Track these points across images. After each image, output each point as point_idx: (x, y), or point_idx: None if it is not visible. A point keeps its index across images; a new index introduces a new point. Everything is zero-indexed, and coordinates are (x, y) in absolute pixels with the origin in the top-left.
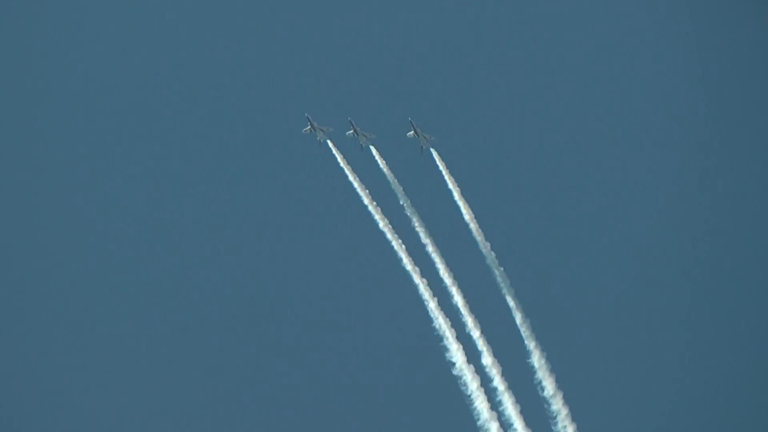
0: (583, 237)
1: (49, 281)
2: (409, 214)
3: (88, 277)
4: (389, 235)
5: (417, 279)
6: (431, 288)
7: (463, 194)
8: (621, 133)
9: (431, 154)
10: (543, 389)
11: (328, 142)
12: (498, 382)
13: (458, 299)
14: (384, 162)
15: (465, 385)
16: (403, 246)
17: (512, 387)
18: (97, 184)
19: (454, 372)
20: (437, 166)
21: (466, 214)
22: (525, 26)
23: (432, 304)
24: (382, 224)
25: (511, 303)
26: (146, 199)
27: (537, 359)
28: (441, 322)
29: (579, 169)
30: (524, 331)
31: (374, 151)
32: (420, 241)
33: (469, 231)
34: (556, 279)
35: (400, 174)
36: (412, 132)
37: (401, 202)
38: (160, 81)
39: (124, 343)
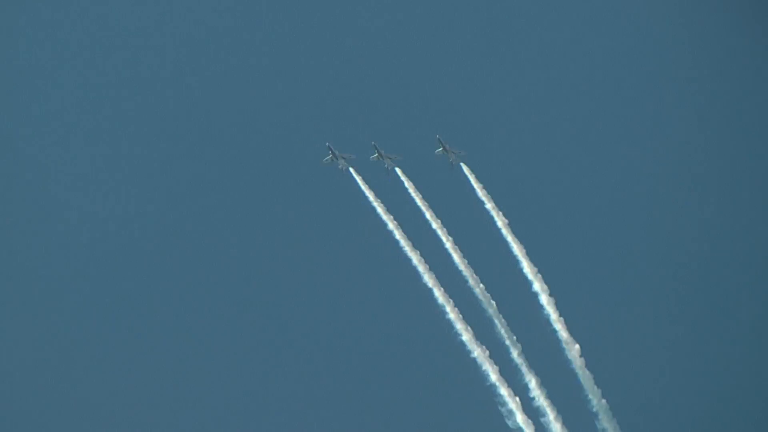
0: (619, 244)
1: (49, 281)
2: (440, 235)
3: (100, 276)
4: (416, 261)
5: (449, 309)
6: (463, 317)
7: (498, 205)
8: (651, 142)
9: (461, 170)
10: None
11: (351, 169)
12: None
13: (498, 325)
14: (411, 184)
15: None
16: (433, 273)
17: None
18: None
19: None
20: (468, 181)
21: (501, 224)
22: (545, 34)
23: (462, 328)
24: (409, 250)
25: (555, 318)
26: (170, 234)
27: (584, 379)
28: (478, 353)
29: (612, 175)
30: (570, 354)
31: (400, 173)
32: (455, 265)
33: (506, 243)
34: (596, 287)
35: (429, 194)
36: (441, 149)
37: (431, 224)
38: (179, 114)
39: (129, 343)
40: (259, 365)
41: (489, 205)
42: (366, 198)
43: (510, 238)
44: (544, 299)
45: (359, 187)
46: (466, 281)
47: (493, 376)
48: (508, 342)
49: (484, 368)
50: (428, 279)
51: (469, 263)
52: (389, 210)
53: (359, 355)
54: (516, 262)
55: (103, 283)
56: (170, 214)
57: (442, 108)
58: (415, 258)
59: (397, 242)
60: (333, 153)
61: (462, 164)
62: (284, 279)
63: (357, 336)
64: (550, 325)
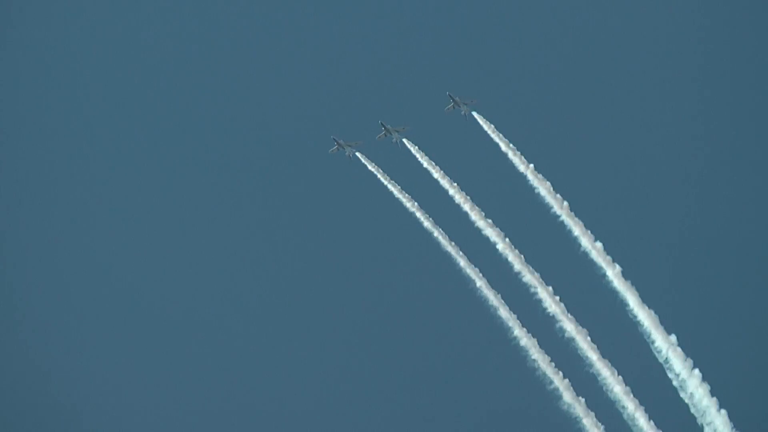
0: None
1: (48, 281)
2: (458, 201)
3: (103, 277)
4: (438, 235)
5: (475, 277)
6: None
7: (516, 147)
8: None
9: (474, 119)
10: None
11: (357, 155)
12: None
13: (541, 291)
14: (421, 152)
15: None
16: (458, 247)
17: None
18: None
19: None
20: (482, 128)
21: (523, 168)
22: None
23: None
24: (427, 224)
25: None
26: (176, 232)
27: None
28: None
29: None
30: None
31: (408, 144)
32: (479, 231)
33: (531, 189)
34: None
35: (442, 156)
36: (451, 104)
37: (448, 191)
38: (182, 122)
39: (133, 343)
40: (289, 353)
41: (505, 149)
42: (378, 180)
43: (536, 181)
44: (598, 257)
45: (369, 171)
46: (496, 247)
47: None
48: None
49: (527, 350)
50: (453, 251)
51: (494, 222)
52: (403, 188)
53: (397, 340)
54: (552, 214)
55: (104, 284)
56: (179, 215)
57: (445, 65)
58: (437, 233)
59: (417, 220)
60: (339, 143)
61: (474, 113)
62: (307, 274)
63: (392, 321)
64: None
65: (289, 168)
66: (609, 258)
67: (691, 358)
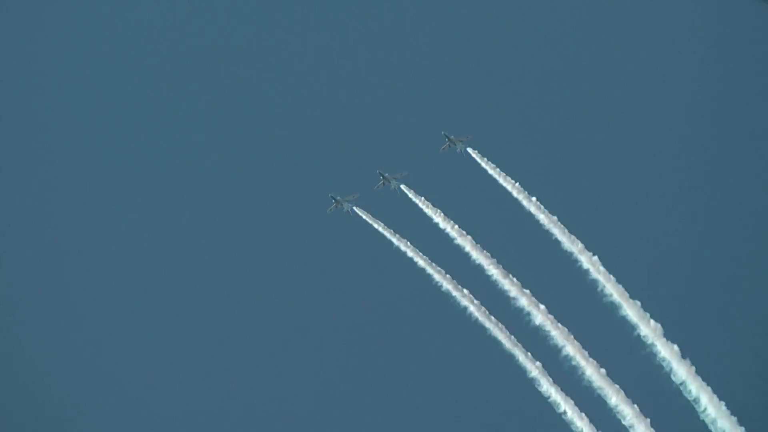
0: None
1: (48, 281)
2: (460, 242)
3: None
4: (441, 280)
5: (491, 327)
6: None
7: (513, 179)
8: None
9: (469, 154)
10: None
11: (355, 209)
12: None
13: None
14: (420, 198)
15: None
16: (465, 290)
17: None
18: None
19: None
20: (478, 164)
21: (521, 197)
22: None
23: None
24: (431, 270)
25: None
26: (176, 232)
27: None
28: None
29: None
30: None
31: (406, 189)
32: (485, 273)
33: (535, 220)
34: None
35: (442, 197)
36: (446, 144)
37: (448, 232)
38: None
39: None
40: (289, 354)
41: (503, 181)
42: (377, 231)
43: (540, 215)
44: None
45: (368, 223)
46: (501, 289)
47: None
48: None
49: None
50: (459, 296)
51: (498, 262)
52: (403, 235)
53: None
54: (560, 248)
55: (105, 285)
56: (179, 215)
57: (436, 103)
58: (440, 278)
59: (420, 268)
60: (336, 200)
61: (469, 149)
62: (316, 330)
63: (404, 366)
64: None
65: (286, 227)
66: (622, 289)
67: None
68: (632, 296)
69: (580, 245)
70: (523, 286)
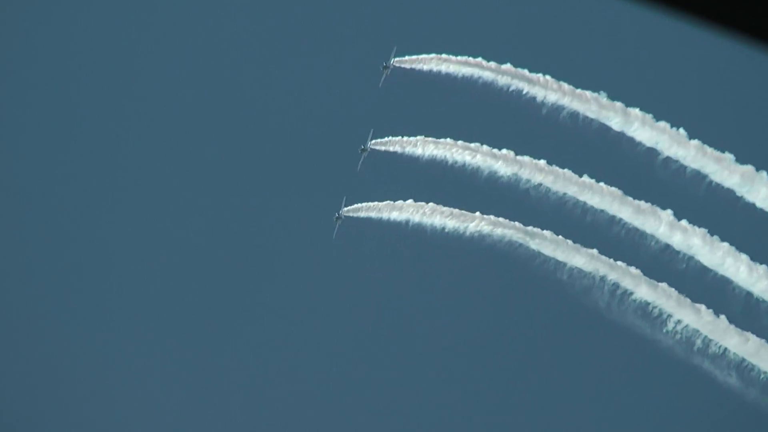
0: None
1: (48, 280)
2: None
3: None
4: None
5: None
6: None
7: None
8: None
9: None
10: None
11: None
12: None
13: None
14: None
15: None
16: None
17: None
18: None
19: None
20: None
21: None
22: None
23: None
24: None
25: None
26: (176, 231)
27: None
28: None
29: None
30: None
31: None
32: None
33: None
34: None
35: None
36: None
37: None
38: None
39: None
40: (289, 355)
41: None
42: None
43: None
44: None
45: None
46: None
47: None
48: None
49: None
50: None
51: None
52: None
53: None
54: None
55: (105, 285)
56: (179, 215)
57: None
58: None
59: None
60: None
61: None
62: (317, 331)
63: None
64: None
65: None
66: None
67: None
68: None
69: None
70: None
